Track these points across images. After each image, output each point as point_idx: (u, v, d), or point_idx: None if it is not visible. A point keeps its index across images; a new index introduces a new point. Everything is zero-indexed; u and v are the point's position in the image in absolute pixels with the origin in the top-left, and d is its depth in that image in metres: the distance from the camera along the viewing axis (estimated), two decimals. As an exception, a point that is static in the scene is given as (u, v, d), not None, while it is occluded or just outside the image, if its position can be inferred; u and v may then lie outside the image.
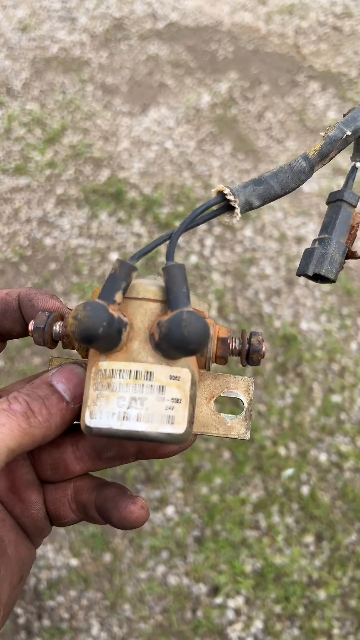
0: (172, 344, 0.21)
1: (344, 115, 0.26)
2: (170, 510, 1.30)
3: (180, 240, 1.75)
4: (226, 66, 2.37)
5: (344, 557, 1.31)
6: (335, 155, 0.26)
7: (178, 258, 1.72)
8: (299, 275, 0.29)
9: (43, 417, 0.22)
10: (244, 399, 0.25)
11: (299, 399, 1.51)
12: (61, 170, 1.84)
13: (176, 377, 0.22)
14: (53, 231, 1.71)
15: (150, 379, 0.21)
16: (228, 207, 0.24)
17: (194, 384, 0.22)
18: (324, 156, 0.26)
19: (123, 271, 0.22)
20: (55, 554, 1.21)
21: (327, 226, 0.28)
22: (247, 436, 0.24)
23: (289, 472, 1.41)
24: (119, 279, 0.22)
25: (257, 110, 2.22)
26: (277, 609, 1.21)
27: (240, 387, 0.25)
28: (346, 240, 0.28)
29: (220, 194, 0.23)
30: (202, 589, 1.21)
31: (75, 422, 0.24)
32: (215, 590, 1.22)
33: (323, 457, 1.44)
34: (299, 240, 1.85)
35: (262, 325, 1.63)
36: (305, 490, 1.38)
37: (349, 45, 2.62)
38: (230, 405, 1.40)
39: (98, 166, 1.88)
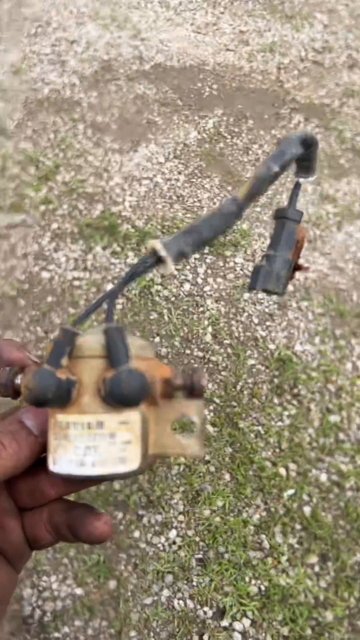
0: (115, 400, 0.23)
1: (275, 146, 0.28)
2: (172, 534, 1.30)
3: (174, 268, 1.80)
4: (211, 103, 2.47)
5: (350, 577, 1.31)
6: (266, 190, 0.26)
7: (172, 286, 1.76)
8: (249, 290, 0.32)
9: (13, 449, 0.25)
10: (197, 420, 0.27)
11: (296, 420, 1.54)
12: (56, 206, 1.91)
13: (125, 422, 0.24)
14: (49, 265, 1.75)
15: (101, 428, 0.24)
16: (161, 261, 0.26)
17: (144, 422, 0.25)
18: (253, 196, 0.26)
19: (67, 338, 0.24)
20: (60, 585, 1.21)
21: (273, 242, 0.30)
22: (202, 453, 0.27)
23: (290, 492, 1.42)
24: (64, 345, 0.24)
25: (244, 144, 2.30)
26: (285, 631, 1.20)
27: (192, 410, 0.27)
28: (292, 254, 0.29)
29: (153, 249, 0.25)
30: (207, 612, 1.21)
31: (44, 454, 0.26)
32: (221, 613, 1.21)
33: (324, 477, 1.45)
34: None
35: (257, 348, 1.67)
36: (307, 510, 1.39)
37: (330, 78, 2.75)
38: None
39: (91, 201, 1.95)
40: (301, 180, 0.31)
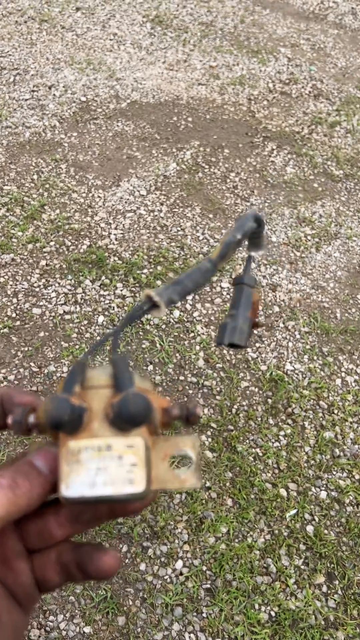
0: (123, 419, 0.26)
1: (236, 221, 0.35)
2: (179, 564, 1.29)
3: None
4: (188, 135, 2.55)
5: (358, 594, 1.31)
6: (233, 253, 0.33)
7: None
8: (217, 345, 0.37)
9: (26, 488, 0.26)
10: (192, 455, 0.29)
11: (292, 439, 1.55)
12: (43, 243, 1.94)
13: (131, 445, 0.26)
14: (39, 301, 1.77)
15: (110, 450, 0.26)
16: (156, 306, 0.30)
17: (147, 449, 0.27)
18: (223, 257, 0.32)
19: (79, 368, 0.28)
20: (67, 624, 1.19)
21: (234, 304, 0.35)
22: (199, 485, 0.29)
23: (292, 512, 1.42)
24: (77, 374, 0.27)
25: (221, 172, 2.38)
26: (297, 655, 1.19)
27: (188, 444, 0.29)
28: (250, 314, 0.34)
29: (148, 297, 0.30)
30: (219, 643, 1.19)
31: (53, 495, 0.28)
32: (233, 643, 1.20)
33: (323, 494, 1.46)
34: (274, 287, 1.95)
35: (249, 370, 1.69)
36: (310, 529, 1.40)
37: (298, 107, 2.86)
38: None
39: (78, 237, 1.99)
40: (252, 253, 0.37)
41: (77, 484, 0.26)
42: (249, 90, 2.91)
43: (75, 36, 3.13)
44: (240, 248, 0.37)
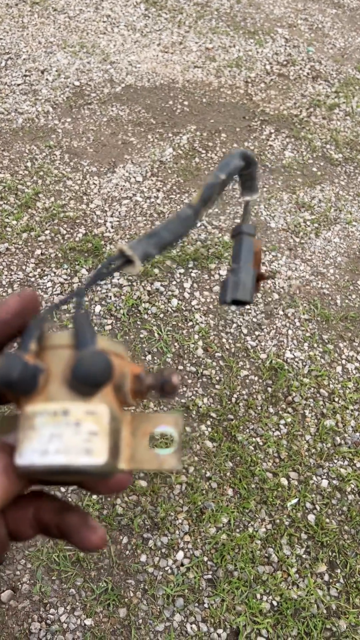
0: (79, 379, 0.23)
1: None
2: (180, 555, 1.29)
3: (159, 285, 1.81)
4: (184, 119, 2.50)
5: None
6: (217, 198, 0.30)
7: (160, 303, 1.77)
8: (221, 304, 0.33)
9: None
10: (175, 433, 0.27)
11: (293, 428, 1.54)
12: (38, 232, 1.90)
13: (92, 412, 0.24)
14: (35, 291, 1.75)
15: (66, 416, 0.23)
16: (129, 261, 0.27)
17: (114, 419, 0.24)
18: (205, 201, 0.29)
19: (36, 324, 0.25)
20: (68, 616, 1.18)
21: (235, 257, 0.32)
22: (179, 467, 0.27)
23: (293, 501, 1.41)
24: (33, 330, 0.25)
25: (219, 157, 2.33)
26: (300, 644, 1.19)
27: (170, 422, 0.27)
28: (253, 265, 0.32)
29: (120, 251, 0.27)
30: (222, 634, 1.19)
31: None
32: (235, 634, 1.19)
33: (324, 483, 1.45)
34: (274, 274, 1.92)
35: (249, 358, 1.67)
36: (311, 518, 1.39)
37: (296, 89, 2.80)
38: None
39: (73, 225, 1.95)
40: (247, 198, 0.34)
41: (29, 451, 0.23)
42: (246, 73, 2.85)
43: (67, 18, 3.05)
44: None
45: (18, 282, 1.76)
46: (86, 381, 0.23)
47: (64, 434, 0.23)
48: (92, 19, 3.09)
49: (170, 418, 0.27)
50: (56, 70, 2.65)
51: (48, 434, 0.23)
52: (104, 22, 3.08)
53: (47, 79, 2.59)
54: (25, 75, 2.59)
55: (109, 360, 0.24)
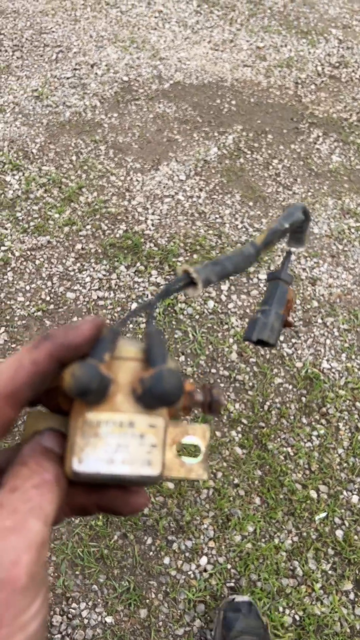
0: (155, 396, 0.24)
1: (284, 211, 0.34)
2: (203, 560, 1.28)
3: (201, 292, 1.79)
4: (231, 119, 2.47)
5: (386, 604, 1.27)
6: (277, 242, 0.32)
7: (196, 304, 1.76)
8: (245, 340, 0.34)
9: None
10: (201, 445, 0.27)
11: (326, 440, 1.50)
12: (79, 227, 1.92)
13: (153, 425, 0.24)
14: (74, 285, 1.76)
15: (132, 427, 0.24)
16: (192, 283, 0.29)
17: (166, 429, 0.25)
18: (267, 245, 0.31)
19: (110, 336, 0.26)
20: (89, 612, 1.19)
21: (267, 299, 0.33)
22: (205, 477, 0.27)
23: (321, 515, 1.38)
24: (107, 342, 0.25)
25: (264, 159, 2.30)
26: (321, 663, 1.16)
27: (198, 433, 0.27)
28: (283, 311, 0.33)
29: (186, 272, 0.29)
30: (241, 644, 1.17)
31: None
32: (255, 645, 1.18)
33: (355, 499, 1.41)
34: (314, 281, 1.88)
35: (284, 366, 1.64)
36: (339, 534, 1.35)
37: (347, 92, 2.74)
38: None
39: (114, 221, 1.96)
40: (292, 249, 0.35)
41: (92, 459, 0.24)
42: (297, 73, 2.80)
43: (119, 13, 3.06)
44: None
45: (57, 276, 1.78)
46: (161, 398, 0.24)
47: (130, 444, 0.24)
48: (144, 14, 3.09)
49: (199, 429, 0.27)
50: (106, 65, 2.66)
51: (115, 444, 0.24)
52: (155, 17, 3.07)
53: (96, 73, 2.60)
54: (75, 69, 2.61)
55: (183, 381, 0.24)
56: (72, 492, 0.26)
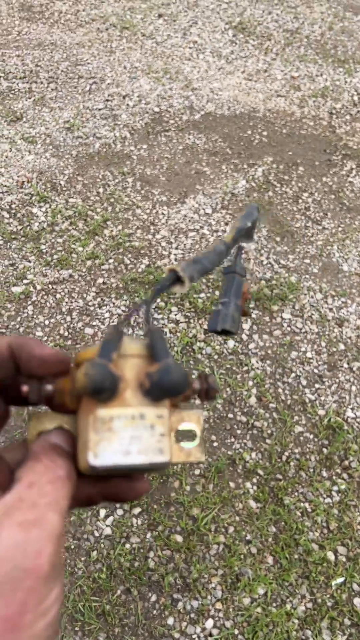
0: (163, 389, 0.26)
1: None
2: (209, 623, 1.21)
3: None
4: (261, 150, 2.44)
5: None
6: (242, 239, 0.36)
7: (216, 343, 1.71)
8: (209, 331, 0.37)
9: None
10: (197, 430, 0.29)
11: (347, 497, 1.42)
12: (102, 260, 1.91)
13: (161, 416, 0.26)
14: (92, 321, 1.74)
15: (143, 419, 0.26)
16: (179, 280, 0.31)
17: (169, 420, 0.28)
18: (235, 241, 0.35)
19: (116, 335, 0.27)
20: (88, 673, 1.14)
21: (226, 292, 0.36)
22: (203, 459, 0.29)
23: (339, 580, 1.29)
24: (114, 342, 0.27)
25: (293, 192, 2.25)
26: None
27: (193, 419, 0.29)
28: (241, 302, 0.36)
29: (173, 271, 0.31)
30: None
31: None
32: None
33: (377, 562, 1.32)
34: (341, 322, 1.81)
35: (305, 413, 1.57)
36: (357, 602, 1.26)
37: (384, 122, 2.66)
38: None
39: (137, 255, 1.94)
40: (243, 244, 0.39)
41: (108, 452, 0.25)
42: (331, 104, 2.75)
43: (154, 44, 3.10)
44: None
45: (77, 310, 1.77)
46: (169, 390, 0.26)
47: (142, 436, 0.26)
48: (179, 44, 3.11)
49: (193, 415, 0.29)
50: (137, 96, 2.68)
51: (128, 436, 0.26)
52: (190, 47, 3.09)
53: (127, 104, 2.62)
54: (107, 100, 2.64)
55: (187, 373, 0.26)
56: (78, 485, 0.28)
